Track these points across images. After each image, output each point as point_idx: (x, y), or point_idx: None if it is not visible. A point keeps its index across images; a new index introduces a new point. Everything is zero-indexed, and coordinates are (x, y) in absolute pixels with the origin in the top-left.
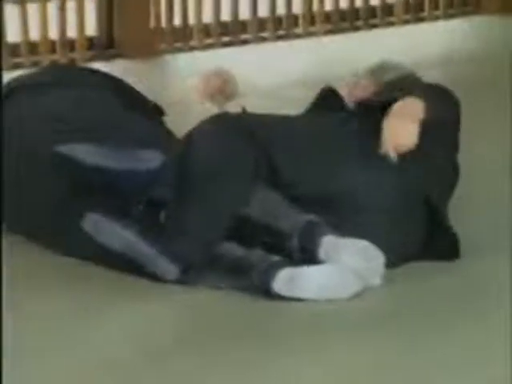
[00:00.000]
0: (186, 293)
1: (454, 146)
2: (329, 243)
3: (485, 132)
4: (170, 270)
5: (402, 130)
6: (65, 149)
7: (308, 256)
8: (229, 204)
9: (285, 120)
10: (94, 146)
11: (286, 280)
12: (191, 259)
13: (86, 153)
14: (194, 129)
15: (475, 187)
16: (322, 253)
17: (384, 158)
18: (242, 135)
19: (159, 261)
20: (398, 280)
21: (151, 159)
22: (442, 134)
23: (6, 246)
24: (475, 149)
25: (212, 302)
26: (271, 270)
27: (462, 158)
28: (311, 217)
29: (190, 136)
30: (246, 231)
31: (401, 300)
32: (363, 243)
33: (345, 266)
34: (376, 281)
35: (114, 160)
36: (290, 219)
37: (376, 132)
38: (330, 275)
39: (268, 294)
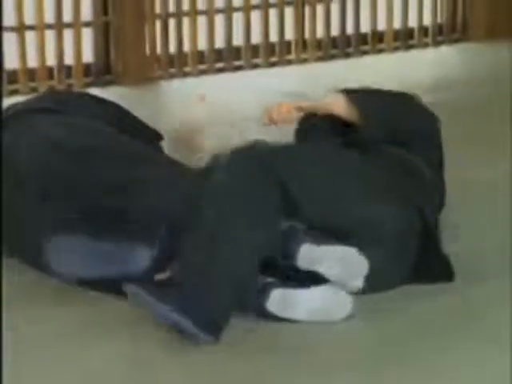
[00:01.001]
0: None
1: (439, 165)
2: (307, 251)
3: (477, 155)
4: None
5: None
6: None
7: (289, 262)
8: (261, 244)
9: (301, 149)
10: (89, 241)
11: (278, 301)
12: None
13: (80, 264)
14: (215, 161)
15: (473, 210)
16: (300, 260)
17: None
18: (264, 170)
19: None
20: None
21: (144, 258)
22: (426, 152)
23: (4, 266)
24: (468, 172)
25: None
26: (265, 291)
27: (458, 181)
28: (292, 223)
29: (210, 171)
30: None
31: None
32: (343, 250)
33: (338, 288)
34: (358, 283)
35: (106, 270)
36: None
37: (374, 160)
38: (323, 298)
39: (263, 314)
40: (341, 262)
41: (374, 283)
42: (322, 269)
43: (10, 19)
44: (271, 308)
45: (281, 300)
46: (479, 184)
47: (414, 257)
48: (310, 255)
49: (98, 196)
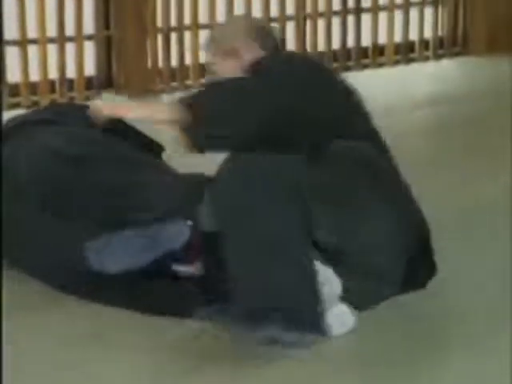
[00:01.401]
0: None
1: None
2: None
3: (477, 167)
4: None
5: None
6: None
7: None
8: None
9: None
10: (120, 242)
11: None
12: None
13: (113, 260)
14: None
15: (473, 225)
16: None
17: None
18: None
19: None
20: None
21: (181, 231)
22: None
23: (4, 276)
24: (468, 184)
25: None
26: None
27: (458, 196)
28: None
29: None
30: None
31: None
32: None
33: (340, 303)
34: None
35: (144, 257)
36: None
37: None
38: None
39: None
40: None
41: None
42: None
43: (12, 33)
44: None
45: None
46: (480, 196)
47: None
48: None
49: (99, 199)
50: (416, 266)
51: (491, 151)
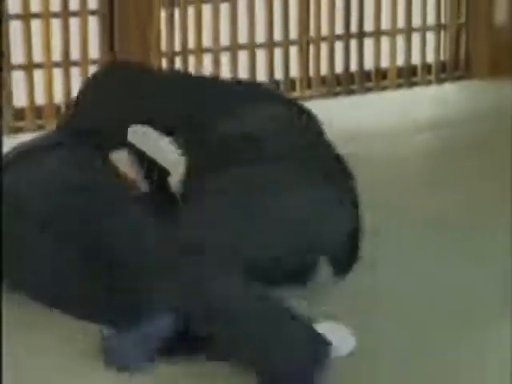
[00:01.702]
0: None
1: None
2: None
3: (480, 189)
4: None
5: None
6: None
7: None
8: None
9: None
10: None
11: None
12: None
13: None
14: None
15: (476, 244)
16: None
17: None
18: None
19: None
20: None
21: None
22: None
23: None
24: (471, 207)
25: None
26: None
27: (460, 217)
28: None
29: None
30: None
31: None
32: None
33: (341, 325)
34: None
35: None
36: None
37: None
38: (328, 333)
39: None
40: None
41: None
42: None
43: (17, 58)
44: None
45: None
46: (482, 217)
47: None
48: None
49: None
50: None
51: (493, 173)
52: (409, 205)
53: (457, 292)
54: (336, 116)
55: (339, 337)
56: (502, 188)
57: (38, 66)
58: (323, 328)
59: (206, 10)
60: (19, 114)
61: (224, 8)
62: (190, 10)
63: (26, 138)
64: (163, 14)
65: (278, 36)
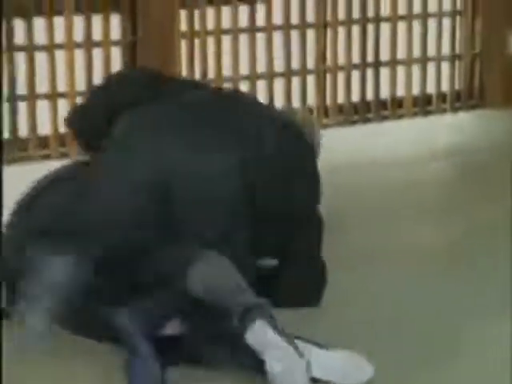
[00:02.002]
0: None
1: None
2: (259, 335)
3: (490, 214)
4: None
5: None
6: None
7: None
8: None
9: None
10: None
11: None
12: None
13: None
14: None
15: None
16: (250, 339)
17: None
18: None
19: None
20: None
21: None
22: None
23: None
24: (481, 235)
25: None
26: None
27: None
28: (255, 300)
29: None
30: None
31: None
32: (287, 348)
33: (356, 355)
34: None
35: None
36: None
37: None
38: (342, 359)
39: None
40: (280, 361)
41: None
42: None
43: (22, 88)
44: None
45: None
46: (493, 244)
47: None
48: (260, 341)
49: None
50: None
51: (504, 199)
52: (416, 230)
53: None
54: (353, 144)
55: (355, 365)
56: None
57: (43, 96)
58: (339, 357)
59: (226, 40)
60: (23, 144)
61: (243, 38)
62: (210, 40)
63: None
64: (183, 44)
65: (295, 65)
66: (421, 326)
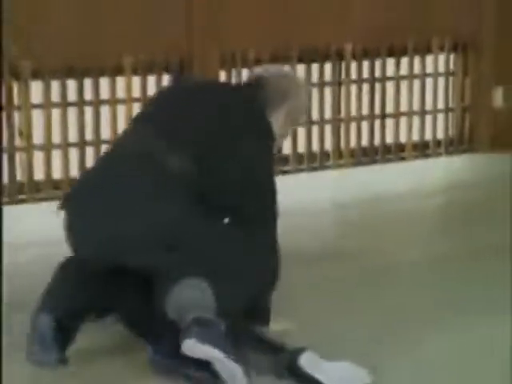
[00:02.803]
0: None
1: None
2: (191, 349)
3: (482, 241)
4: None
5: None
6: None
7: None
8: None
9: None
10: None
11: (310, 360)
12: None
13: None
14: None
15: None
16: (185, 351)
17: None
18: None
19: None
20: None
21: None
22: None
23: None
24: (473, 261)
25: None
26: (300, 350)
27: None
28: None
29: None
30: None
31: None
32: (223, 360)
33: (354, 365)
34: None
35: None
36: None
37: None
38: (345, 368)
39: (294, 370)
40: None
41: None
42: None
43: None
44: (302, 363)
45: (312, 360)
46: (485, 271)
47: None
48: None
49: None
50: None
51: (492, 228)
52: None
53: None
54: (362, 182)
55: (355, 371)
56: (500, 237)
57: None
58: (340, 366)
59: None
60: (19, 187)
61: None
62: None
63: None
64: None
65: (315, 116)
66: None
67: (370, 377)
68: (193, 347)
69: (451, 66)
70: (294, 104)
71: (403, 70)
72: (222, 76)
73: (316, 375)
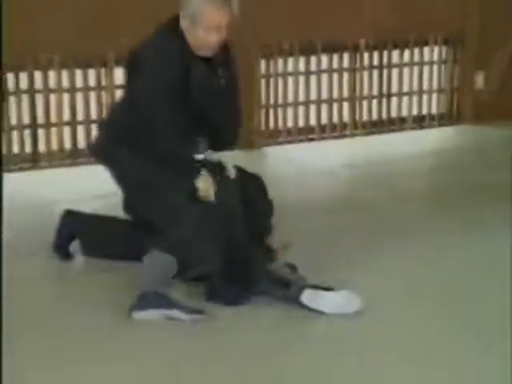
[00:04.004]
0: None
1: None
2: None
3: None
4: None
5: None
6: None
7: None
8: None
9: None
10: None
11: (309, 296)
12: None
13: None
14: None
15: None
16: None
17: None
18: None
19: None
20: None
21: None
22: None
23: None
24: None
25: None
26: (302, 288)
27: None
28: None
29: None
30: None
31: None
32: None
33: (349, 291)
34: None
35: None
36: None
37: None
38: (341, 297)
39: (299, 304)
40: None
41: None
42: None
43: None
44: (303, 300)
45: (311, 296)
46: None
47: None
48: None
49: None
50: None
51: (473, 174)
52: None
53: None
54: (373, 148)
55: (349, 299)
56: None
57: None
58: (339, 292)
59: (291, 81)
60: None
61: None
62: (280, 82)
63: None
64: (263, 82)
65: (335, 95)
66: None
67: (360, 303)
68: (139, 316)
69: (443, 56)
70: (183, 11)
71: (405, 59)
72: (263, 64)
73: (314, 307)
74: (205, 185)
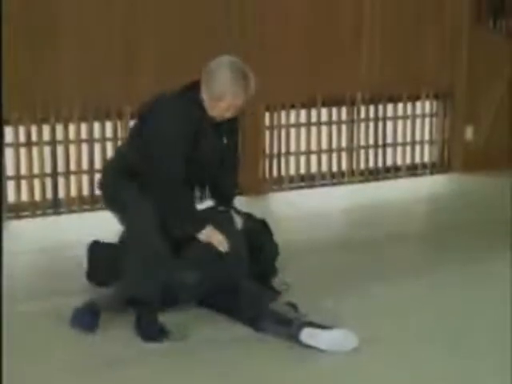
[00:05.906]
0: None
1: None
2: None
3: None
4: None
5: None
6: None
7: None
8: None
9: None
10: None
11: (308, 334)
12: None
13: None
14: None
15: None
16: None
17: None
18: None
19: None
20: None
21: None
22: None
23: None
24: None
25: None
26: (301, 326)
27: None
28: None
29: None
30: None
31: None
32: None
33: (347, 330)
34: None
35: None
36: None
37: None
38: (338, 335)
39: (299, 341)
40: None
41: None
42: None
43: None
44: (302, 338)
45: (310, 334)
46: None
47: None
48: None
49: None
50: None
51: (461, 216)
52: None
53: None
54: (369, 194)
55: (346, 338)
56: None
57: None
58: (336, 331)
59: (293, 132)
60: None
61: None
62: (283, 133)
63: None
64: (267, 133)
65: (334, 145)
66: None
67: (357, 340)
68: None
69: (434, 110)
70: (209, 86)
71: (399, 112)
72: (267, 117)
73: (313, 345)
74: (213, 236)
